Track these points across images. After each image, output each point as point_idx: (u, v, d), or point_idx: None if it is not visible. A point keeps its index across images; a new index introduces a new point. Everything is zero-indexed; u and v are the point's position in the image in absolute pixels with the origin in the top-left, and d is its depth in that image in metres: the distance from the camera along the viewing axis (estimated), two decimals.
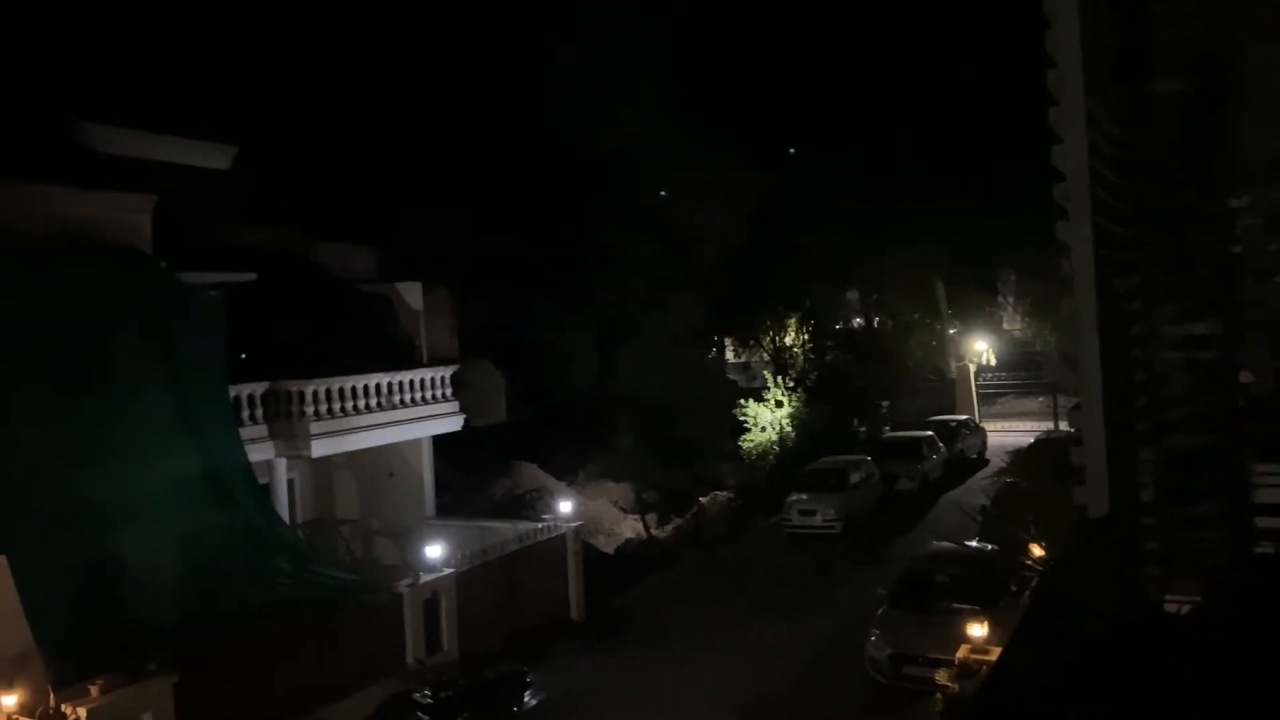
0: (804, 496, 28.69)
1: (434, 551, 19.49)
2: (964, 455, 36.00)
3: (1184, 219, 9.45)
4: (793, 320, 40.74)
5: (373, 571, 20.51)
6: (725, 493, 31.31)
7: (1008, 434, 39.25)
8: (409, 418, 21.66)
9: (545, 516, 23.44)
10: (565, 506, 23.45)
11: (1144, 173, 9.31)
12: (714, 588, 24.12)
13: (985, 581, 18.20)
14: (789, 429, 34.42)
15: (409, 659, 18.36)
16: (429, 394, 22.14)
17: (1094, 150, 8.47)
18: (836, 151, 36.41)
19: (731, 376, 42.13)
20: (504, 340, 31.35)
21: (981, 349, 43.16)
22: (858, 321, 46.30)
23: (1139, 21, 9.08)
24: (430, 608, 18.93)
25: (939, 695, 15.30)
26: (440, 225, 30.65)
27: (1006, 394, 48.17)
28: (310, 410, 19.33)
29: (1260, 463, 9.16)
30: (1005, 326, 47.78)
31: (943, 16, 34.47)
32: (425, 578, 18.98)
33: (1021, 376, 47.13)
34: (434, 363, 23.31)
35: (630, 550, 26.92)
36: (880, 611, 18.39)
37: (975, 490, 28.38)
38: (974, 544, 21.05)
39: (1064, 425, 29.60)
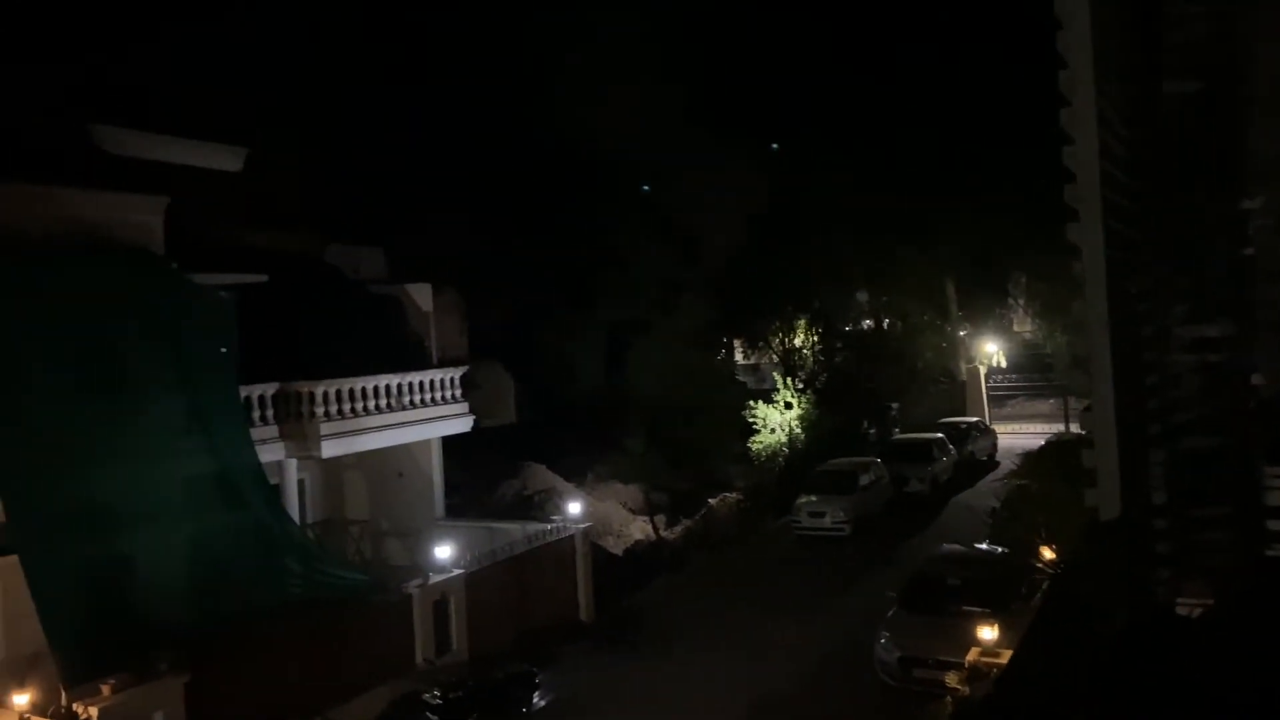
0: (813, 498, 28.64)
1: (443, 552, 19.53)
2: (974, 457, 35.89)
3: (1195, 220, 9.42)
4: (802, 321, 40.67)
5: (382, 572, 20.55)
6: (734, 494, 31.29)
7: (1018, 436, 39.18)
8: (419, 419, 21.69)
9: (554, 518, 23.45)
10: (574, 508, 23.46)
11: (1155, 174, 9.29)
12: (723, 589, 24.11)
13: (996, 584, 18.14)
14: (798, 431, 34.38)
15: (418, 659, 18.39)
16: (439, 395, 22.17)
17: (1105, 151, 8.46)
18: (846, 152, 36.33)
19: (740, 378, 42.12)
20: (513, 342, 31.42)
21: (992, 351, 43.03)
22: (867, 323, 46.17)
23: (1150, 23, 9.06)
24: (440, 608, 18.97)
25: (949, 698, 15.26)
26: (450, 227, 30.73)
27: (1017, 396, 48.02)
28: (320, 411, 19.37)
29: (1271, 465, 9.13)
30: (1015, 328, 47.63)
31: (952, 16, 34.39)
32: (435, 578, 19.02)
33: (1032, 378, 46.96)
34: (444, 364, 23.35)
35: (639, 552, 26.92)
36: (890, 614, 18.35)
37: (986, 492, 28.33)
38: (984, 546, 21.00)
39: (1075, 427, 29.53)
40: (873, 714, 16.85)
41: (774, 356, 41.35)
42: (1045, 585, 17.53)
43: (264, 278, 20.50)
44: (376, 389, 20.65)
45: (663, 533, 28.55)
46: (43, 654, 14.76)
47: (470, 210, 32.54)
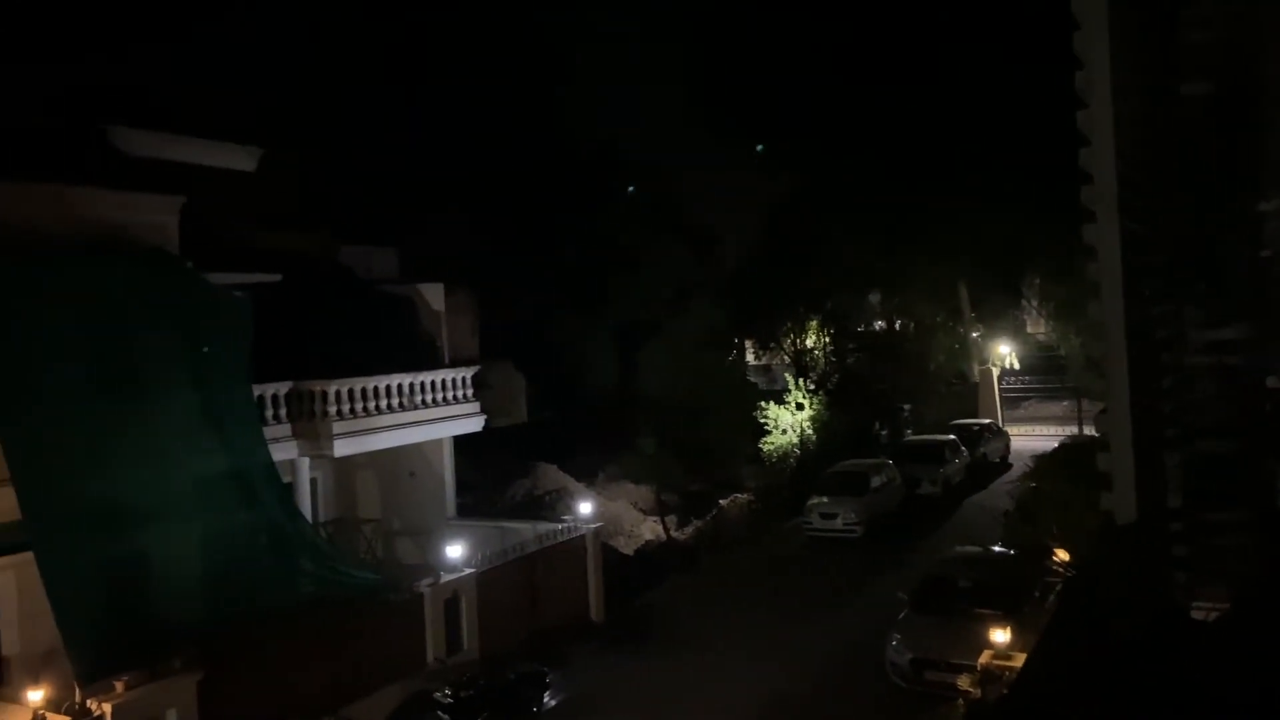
0: (825, 499, 28.59)
1: (455, 551, 19.56)
2: (986, 459, 35.77)
3: (1212, 223, 9.37)
4: (814, 322, 40.60)
5: (394, 571, 20.59)
6: (745, 495, 31.26)
7: (1031, 438, 39.02)
8: (431, 418, 21.72)
9: (565, 517, 23.47)
10: (585, 508, 23.47)
11: (1172, 176, 9.24)
12: (733, 590, 24.09)
13: (1008, 586, 18.07)
14: (810, 432, 34.32)
15: (429, 658, 18.43)
16: (450, 395, 22.20)
17: (1122, 153, 8.41)
18: (859, 153, 36.25)
19: (752, 379, 42.04)
20: (525, 341, 31.44)
21: (1005, 352, 42.87)
22: (880, 324, 46.07)
23: (1168, 24, 9.01)
24: (451, 608, 19.00)
25: (960, 700, 15.22)
26: (462, 227, 30.83)
27: (1030, 398, 47.85)
28: (333, 410, 19.42)
29: None
30: (1029, 330, 47.44)
31: (967, 17, 34.27)
32: (446, 578, 19.05)
33: (1045, 380, 46.78)
34: (455, 363, 23.38)
35: (650, 552, 26.92)
36: (901, 615, 18.31)
37: (998, 494, 28.21)
38: (997, 548, 20.92)
39: (1089, 430, 29.39)
40: (883, 716, 16.80)
41: (786, 357, 41.29)
42: (1058, 588, 17.46)
43: (278, 277, 20.56)
44: (389, 388, 20.70)
45: (673, 533, 28.54)
46: (57, 651, 14.84)
47: (483, 211, 32.62)
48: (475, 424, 23.01)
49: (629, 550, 26.72)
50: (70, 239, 16.42)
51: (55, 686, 14.34)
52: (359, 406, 19.99)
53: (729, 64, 34.95)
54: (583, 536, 22.32)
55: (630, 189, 36.46)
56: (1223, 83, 9.17)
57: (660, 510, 29.46)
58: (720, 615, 22.08)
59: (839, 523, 27.99)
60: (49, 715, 13.90)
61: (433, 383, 21.83)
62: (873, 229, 36.80)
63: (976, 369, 43.01)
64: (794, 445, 33.94)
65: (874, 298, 44.82)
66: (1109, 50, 8.11)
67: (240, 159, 22.20)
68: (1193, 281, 9.36)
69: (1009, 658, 14.95)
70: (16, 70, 19.94)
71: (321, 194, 24.67)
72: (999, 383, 43.12)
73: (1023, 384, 48.21)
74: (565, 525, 22.46)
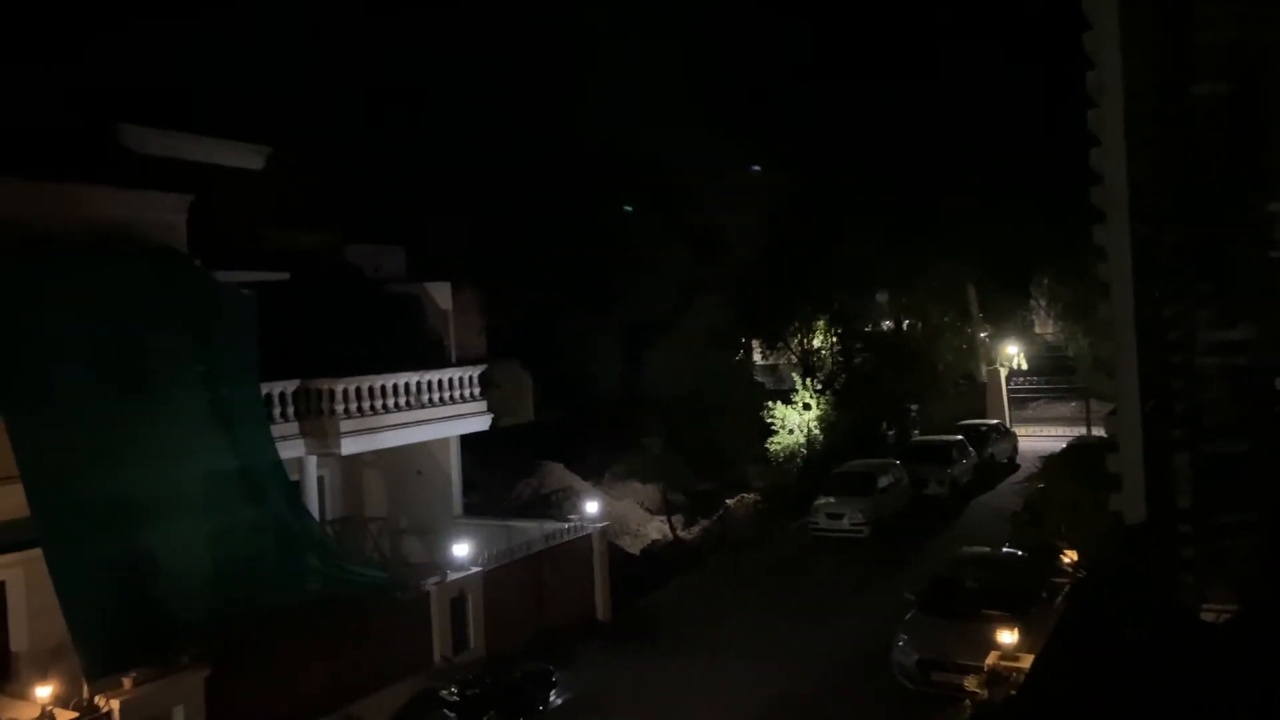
0: (831, 500, 28.56)
1: (461, 550, 19.58)
2: (994, 460, 35.70)
3: (1222, 223, 9.33)
4: (821, 322, 40.53)
5: (401, 569, 20.63)
6: (752, 495, 31.23)
7: (1039, 439, 38.95)
8: (437, 417, 21.76)
9: (571, 517, 23.48)
10: (591, 507, 23.48)
11: (1182, 176, 9.20)
12: (740, 590, 24.07)
13: (1016, 587, 18.01)
14: (816, 432, 34.27)
15: (436, 657, 18.45)
16: (457, 393, 22.23)
17: (1132, 153, 8.39)
18: (867, 153, 36.21)
19: (759, 378, 42.01)
20: (532, 341, 31.47)
21: (1013, 353, 42.78)
22: (887, 324, 46.00)
23: (1179, 23, 8.98)
24: (457, 606, 19.02)
25: (967, 702, 15.17)
26: (469, 226, 30.83)
27: (1038, 398, 47.72)
28: (340, 408, 19.47)
29: None
30: (1037, 330, 47.31)
31: (975, 18, 34.21)
32: (452, 576, 19.07)
33: (1053, 381, 46.65)
34: (462, 362, 23.42)
35: (656, 551, 26.91)
36: (908, 616, 18.26)
37: (1006, 495, 28.19)
38: (1005, 549, 20.87)
39: (1097, 430, 29.32)
40: (890, 717, 16.78)
41: (793, 357, 41.24)
42: (1066, 589, 17.41)
43: (285, 276, 20.61)
44: (396, 387, 20.74)
45: (680, 533, 28.53)
46: (65, 647, 14.90)
47: (489, 210, 32.63)
48: (482, 423, 23.05)
49: (635, 550, 26.71)
50: (80, 237, 16.48)
51: (63, 682, 14.40)
52: (366, 405, 20.04)
53: (735, 62, 34.92)
54: (589, 536, 22.33)
55: (637, 189, 36.44)
56: (1234, 83, 9.14)
57: (666, 510, 29.45)
58: (726, 615, 22.07)
59: (846, 523, 27.95)
60: (57, 711, 13.94)
61: (440, 381, 21.87)
62: (881, 229, 36.73)
63: (984, 369, 42.92)
64: (801, 445, 33.91)
65: (882, 297, 44.75)
66: (1120, 50, 8.09)
67: (248, 158, 22.26)
68: (1202, 282, 9.33)
69: (1016, 659, 14.90)
70: (28, 69, 20.03)
71: (328, 193, 24.73)
72: (1007, 383, 43.02)
73: (1031, 384, 48.08)
74: (572, 524, 22.47)
